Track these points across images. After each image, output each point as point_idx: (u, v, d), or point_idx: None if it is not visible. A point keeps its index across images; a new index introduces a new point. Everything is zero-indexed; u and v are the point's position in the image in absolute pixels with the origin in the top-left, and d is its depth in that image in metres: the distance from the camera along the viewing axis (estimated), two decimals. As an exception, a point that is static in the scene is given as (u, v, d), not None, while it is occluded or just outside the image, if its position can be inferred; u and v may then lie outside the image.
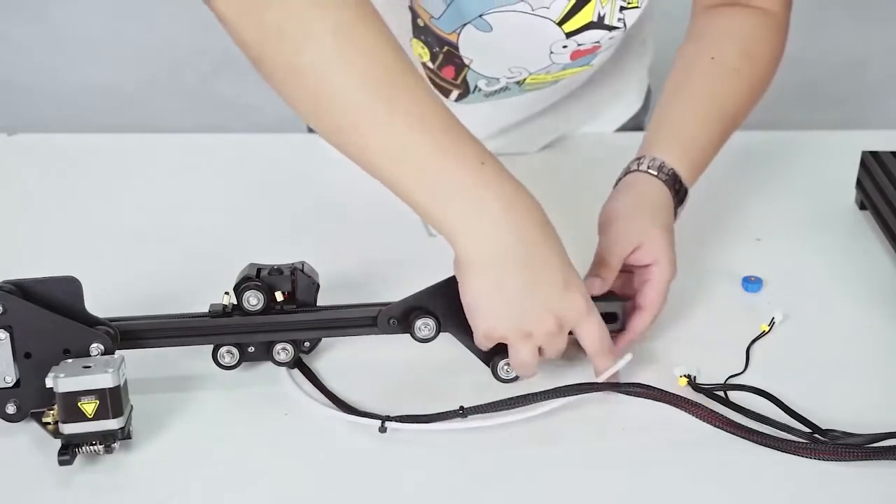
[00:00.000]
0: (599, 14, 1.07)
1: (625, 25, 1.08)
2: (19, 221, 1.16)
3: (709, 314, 1.00)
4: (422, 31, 1.12)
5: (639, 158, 0.99)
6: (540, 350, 0.86)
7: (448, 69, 1.15)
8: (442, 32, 1.10)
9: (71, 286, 0.83)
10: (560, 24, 1.07)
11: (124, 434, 0.80)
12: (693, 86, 1.04)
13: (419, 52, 1.15)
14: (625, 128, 1.36)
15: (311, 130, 1.26)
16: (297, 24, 0.77)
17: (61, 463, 0.78)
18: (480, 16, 1.07)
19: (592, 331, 0.86)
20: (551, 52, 1.11)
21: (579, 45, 1.10)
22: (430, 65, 1.15)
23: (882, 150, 1.15)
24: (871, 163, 1.14)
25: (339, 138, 0.82)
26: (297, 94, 0.81)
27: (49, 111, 2.77)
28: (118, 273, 1.04)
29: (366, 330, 0.88)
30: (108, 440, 0.79)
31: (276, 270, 0.88)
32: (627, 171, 0.99)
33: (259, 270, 0.88)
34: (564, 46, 1.10)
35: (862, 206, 1.17)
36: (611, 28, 1.08)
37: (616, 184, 1.00)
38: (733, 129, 1.05)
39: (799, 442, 0.82)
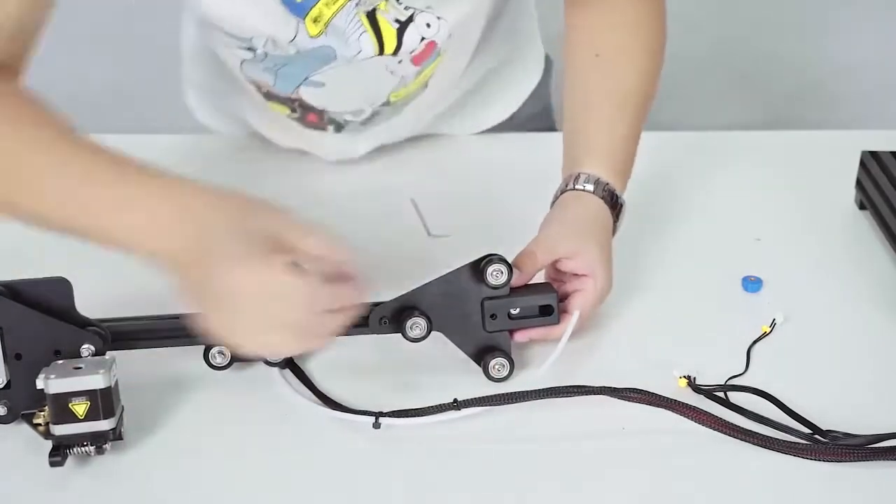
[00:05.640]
0: (420, 34, 1.06)
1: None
2: (15, 221, 1.15)
3: (709, 314, 0.99)
4: (271, 96, 1.15)
5: (571, 176, 0.98)
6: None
7: (311, 116, 1.18)
8: (285, 94, 1.14)
9: (62, 287, 0.83)
10: (379, 54, 1.06)
11: (115, 435, 0.80)
12: (590, 90, 1.04)
13: (279, 110, 1.18)
14: (532, 98, 1.32)
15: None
16: None
17: (52, 464, 0.78)
18: (306, 79, 1.10)
19: (311, 240, 0.80)
20: (392, 73, 1.10)
21: (412, 51, 1.07)
22: (294, 116, 1.18)
23: (882, 150, 1.15)
24: (871, 163, 1.14)
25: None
26: None
27: (48, 111, 2.76)
28: (109, 274, 1.03)
29: (357, 330, 0.87)
30: (99, 441, 0.79)
31: (269, 270, 0.88)
32: (563, 191, 0.99)
33: (252, 270, 0.88)
34: (399, 61, 1.09)
35: (862, 206, 1.16)
36: (429, 25, 1.06)
37: (553, 202, 0.99)
38: (644, 116, 1.04)
39: (799, 443, 0.82)
